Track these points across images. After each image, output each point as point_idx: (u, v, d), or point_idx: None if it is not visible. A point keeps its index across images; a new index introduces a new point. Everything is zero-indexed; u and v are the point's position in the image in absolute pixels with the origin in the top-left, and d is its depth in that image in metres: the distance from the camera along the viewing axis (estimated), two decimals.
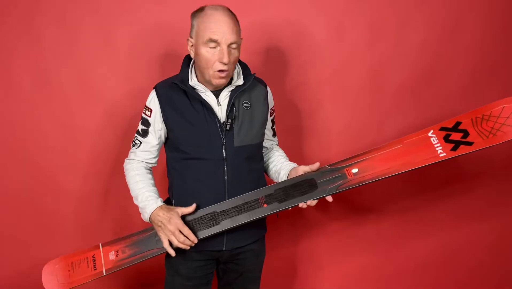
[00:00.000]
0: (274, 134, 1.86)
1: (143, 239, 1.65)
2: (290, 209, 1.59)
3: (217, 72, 1.54)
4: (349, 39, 2.24)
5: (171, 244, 1.58)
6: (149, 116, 1.64)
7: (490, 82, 2.33)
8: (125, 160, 1.74)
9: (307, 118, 2.31)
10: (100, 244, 1.68)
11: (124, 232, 2.16)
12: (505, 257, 2.60)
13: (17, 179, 2.20)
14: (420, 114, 2.31)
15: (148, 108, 1.65)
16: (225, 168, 1.61)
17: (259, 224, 1.77)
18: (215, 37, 1.49)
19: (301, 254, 2.57)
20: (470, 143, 1.57)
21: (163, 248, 1.59)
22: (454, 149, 1.57)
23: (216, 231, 1.58)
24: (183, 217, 1.60)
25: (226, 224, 1.58)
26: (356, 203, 2.50)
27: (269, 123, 1.78)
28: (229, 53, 1.52)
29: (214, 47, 1.51)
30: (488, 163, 2.46)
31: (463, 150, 1.55)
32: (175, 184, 1.68)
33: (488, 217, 2.55)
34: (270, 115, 1.78)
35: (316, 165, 1.63)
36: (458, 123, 1.63)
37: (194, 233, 1.58)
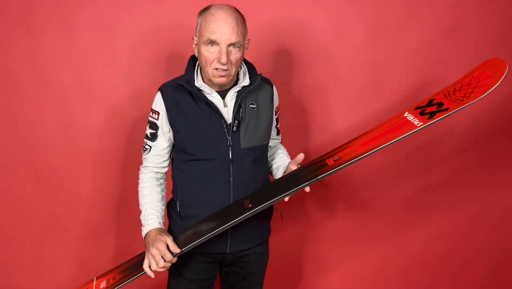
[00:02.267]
0: (278, 133, 1.87)
1: (134, 263, 1.61)
2: (279, 201, 1.53)
3: (215, 71, 1.53)
4: (354, 39, 2.28)
5: None
6: (157, 120, 1.64)
7: None
8: (140, 167, 1.73)
9: (312, 117, 2.33)
10: (95, 278, 1.64)
11: (127, 234, 2.20)
12: (504, 254, 2.55)
13: (19, 180, 2.24)
14: None
15: (155, 111, 1.64)
16: (231, 170, 1.60)
17: (264, 227, 1.72)
18: (213, 37, 1.49)
19: (305, 257, 2.42)
20: (445, 109, 1.53)
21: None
22: (430, 118, 1.52)
23: (206, 236, 1.52)
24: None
25: (213, 228, 1.52)
26: (359, 205, 2.40)
27: (273, 122, 1.78)
28: (228, 53, 1.51)
29: (213, 47, 1.51)
30: (485, 160, 2.43)
31: (439, 115, 1.51)
32: (180, 185, 1.68)
33: (488, 215, 2.48)
34: (275, 114, 1.78)
35: (300, 156, 1.62)
36: (432, 100, 1.64)
37: (184, 245, 1.54)
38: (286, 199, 1.53)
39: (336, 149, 1.63)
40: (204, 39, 1.51)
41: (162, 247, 1.50)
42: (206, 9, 1.56)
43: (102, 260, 2.33)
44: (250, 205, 1.55)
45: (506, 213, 2.49)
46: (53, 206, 2.31)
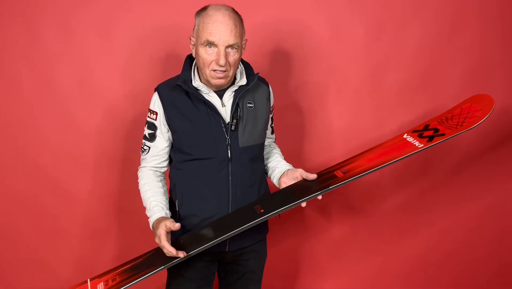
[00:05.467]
0: (272, 132, 1.89)
1: (135, 265, 1.52)
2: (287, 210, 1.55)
3: (213, 72, 1.54)
4: (351, 39, 2.30)
5: None
6: (155, 120, 1.63)
7: (488, 83, 2.40)
8: (138, 168, 1.71)
9: (309, 117, 2.35)
10: (88, 280, 1.52)
11: (127, 233, 2.15)
12: (503, 253, 2.62)
13: (18, 180, 2.18)
14: (420, 114, 2.37)
15: (153, 111, 1.64)
16: (230, 169, 1.60)
17: (261, 225, 1.69)
18: (211, 39, 1.49)
19: (302, 255, 2.46)
20: (442, 134, 1.68)
21: (153, 269, 1.48)
22: (429, 140, 1.66)
23: (217, 239, 1.49)
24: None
25: (225, 232, 1.50)
26: (356, 205, 2.47)
27: (269, 121, 1.79)
28: (226, 55, 1.52)
29: (211, 48, 1.52)
30: (485, 160, 2.52)
31: (437, 139, 1.65)
32: (178, 185, 1.65)
33: (487, 214, 2.57)
34: (270, 113, 1.79)
35: (313, 176, 1.64)
36: (427, 125, 1.79)
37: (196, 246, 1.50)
38: (304, 204, 1.55)
39: (343, 162, 1.71)
40: (202, 40, 1.51)
41: (161, 230, 1.47)
42: (204, 9, 1.56)
43: (102, 260, 2.24)
44: (262, 210, 1.55)
45: (507, 213, 2.58)
46: (51, 206, 2.22)
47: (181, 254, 1.45)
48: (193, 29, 1.58)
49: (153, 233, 1.53)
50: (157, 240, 1.48)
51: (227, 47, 1.52)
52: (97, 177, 2.24)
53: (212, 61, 1.53)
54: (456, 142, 2.46)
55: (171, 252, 1.44)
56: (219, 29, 1.49)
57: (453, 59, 2.39)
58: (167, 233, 1.48)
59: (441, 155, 2.49)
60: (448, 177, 2.53)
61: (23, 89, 2.16)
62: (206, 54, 1.52)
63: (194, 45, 1.59)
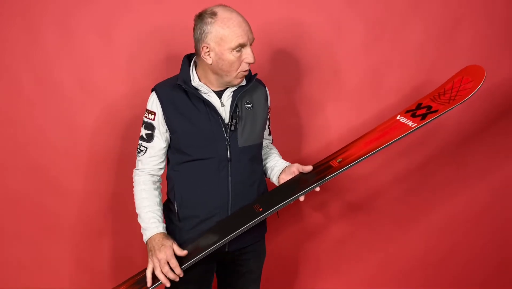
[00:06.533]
0: (269, 133, 1.90)
1: (138, 280, 1.60)
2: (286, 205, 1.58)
3: (241, 72, 1.57)
4: (350, 39, 2.30)
5: None
6: (153, 120, 1.62)
7: (489, 82, 2.29)
8: (134, 170, 1.69)
9: (309, 118, 2.36)
10: None
11: (124, 232, 2.19)
12: (505, 253, 2.60)
13: (18, 179, 2.23)
14: None
15: (151, 111, 1.62)
16: (229, 169, 1.61)
17: (260, 224, 1.72)
18: (242, 40, 1.50)
19: (301, 254, 2.47)
20: (435, 111, 1.68)
21: (155, 282, 1.54)
22: (423, 119, 1.67)
23: (219, 242, 1.54)
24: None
25: (226, 234, 1.55)
26: (355, 204, 2.46)
27: (266, 122, 1.80)
28: (252, 51, 1.56)
29: (240, 50, 1.53)
30: (481, 159, 2.50)
31: (431, 116, 1.65)
32: (177, 186, 1.66)
33: (488, 212, 2.54)
34: (267, 114, 1.80)
35: (309, 167, 1.67)
36: (420, 104, 1.79)
37: (197, 253, 1.54)
38: (302, 198, 1.58)
39: (338, 151, 1.73)
40: (233, 45, 1.51)
41: (169, 252, 1.51)
42: (212, 14, 1.51)
43: (99, 259, 2.34)
44: (260, 209, 1.58)
45: (507, 210, 2.55)
46: (50, 205, 2.29)
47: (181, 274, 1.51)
48: (203, 36, 1.52)
49: (147, 246, 1.56)
50: (160, 256, 1.50)
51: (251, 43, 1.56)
52: (97, 176, 2.28)
53: (241, 63, 1.55)
54: (455, 137, 2.45)
55: (179, 274, 1.50)
56: (243, 29, 1.52)
57: (454, 59, 2.33)
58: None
59: (440, 150, 2.47)
60: (447, 173, 2.50)
61: (23, 89, 2.18)
62: (235, 58, 1.53)
63: (209, 52, 1.54)
